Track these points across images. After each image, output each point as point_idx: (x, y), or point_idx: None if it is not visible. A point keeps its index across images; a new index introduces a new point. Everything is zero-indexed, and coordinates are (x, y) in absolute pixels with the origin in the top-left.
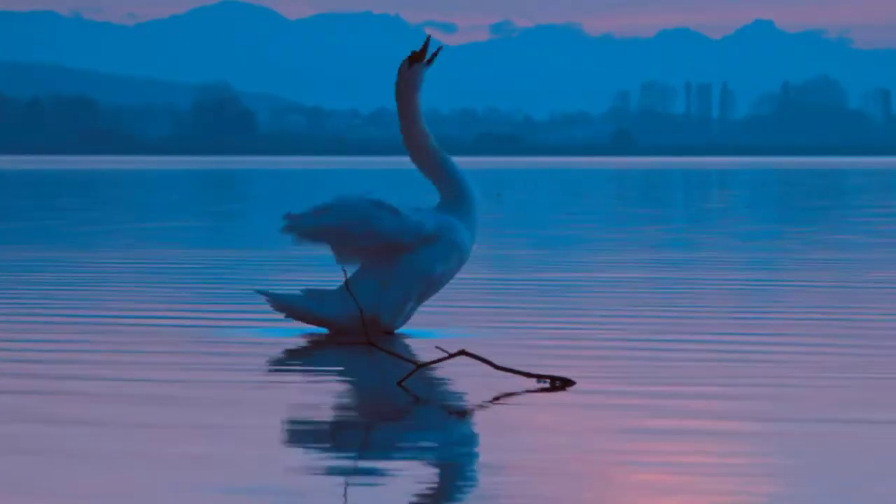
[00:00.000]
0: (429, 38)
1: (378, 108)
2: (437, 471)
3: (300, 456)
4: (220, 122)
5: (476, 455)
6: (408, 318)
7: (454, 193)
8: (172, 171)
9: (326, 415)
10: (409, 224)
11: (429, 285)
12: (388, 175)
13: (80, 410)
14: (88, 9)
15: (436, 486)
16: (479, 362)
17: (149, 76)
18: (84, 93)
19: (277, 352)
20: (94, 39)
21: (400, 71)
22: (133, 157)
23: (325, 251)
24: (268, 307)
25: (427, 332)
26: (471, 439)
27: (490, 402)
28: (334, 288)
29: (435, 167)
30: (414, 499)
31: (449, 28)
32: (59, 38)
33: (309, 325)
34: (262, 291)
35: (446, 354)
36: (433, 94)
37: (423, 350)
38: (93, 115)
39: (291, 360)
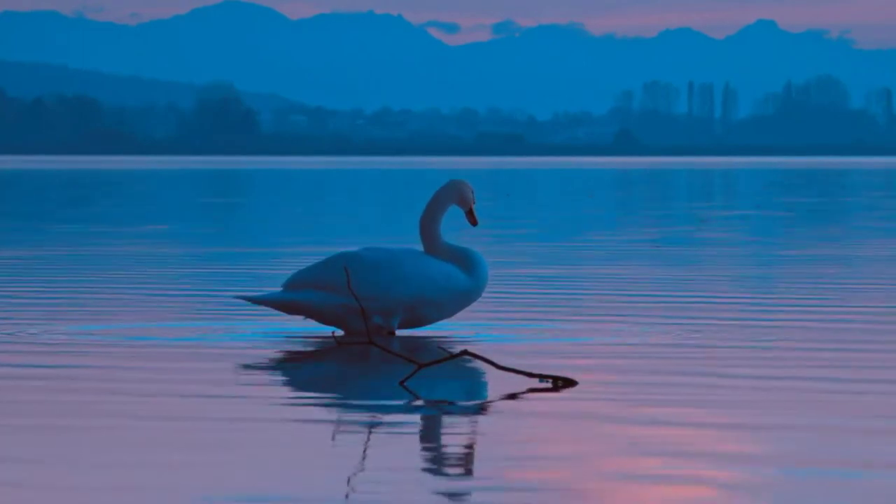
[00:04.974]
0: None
1: (381, 108)
2: (438, 470)
3: (301, 455)
4: (222, 122)
5: (478, 455)
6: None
7: (462, 259)
8: (175, 171)
9: (328, 414)
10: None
11: (414, 314)
12: (390, 175)
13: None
14: (91, 8)
15: (437, 485)
16: (481, 362)
17: (151, 76)
18: (87, 93)
19: (278, 352)
20: (96, 39)
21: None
22: (136, 158)
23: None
24: (268, 308)
25: (429, 331)
26: (472, 439)
27: (492, 401)
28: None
29: (446, 254)
30: (415, 498)
31: (451, 28)
32: (62, 38)
33: (301, 321)
34: (240, 297)
35: (448, 354)
36: (435, 94)
37: (425, 350)
38: (95, 114)
39: (292, 360)
